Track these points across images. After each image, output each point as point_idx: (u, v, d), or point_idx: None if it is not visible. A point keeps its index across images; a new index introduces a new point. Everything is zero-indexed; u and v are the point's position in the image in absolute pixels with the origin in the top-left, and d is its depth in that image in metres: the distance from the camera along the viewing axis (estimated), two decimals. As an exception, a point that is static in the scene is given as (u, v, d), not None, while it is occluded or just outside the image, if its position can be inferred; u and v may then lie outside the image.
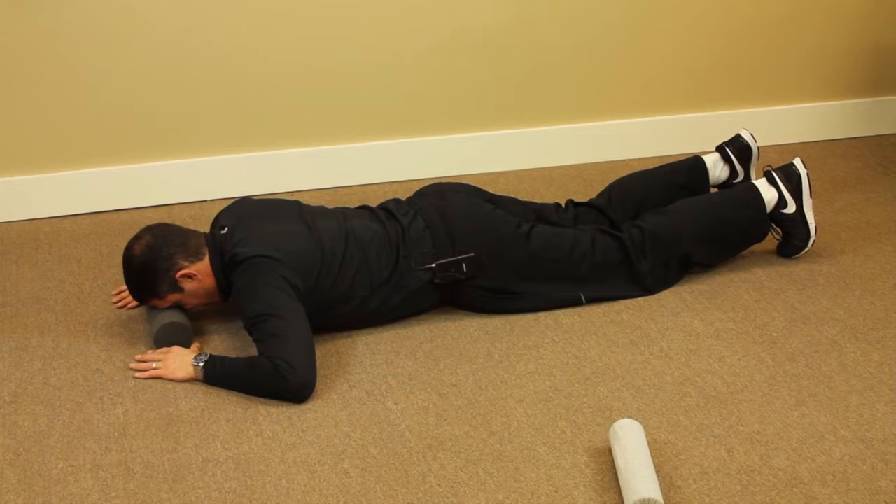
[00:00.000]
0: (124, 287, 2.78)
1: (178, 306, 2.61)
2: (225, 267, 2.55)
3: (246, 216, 2.64)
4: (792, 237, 2.96)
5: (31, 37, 3.08)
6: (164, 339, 2.55)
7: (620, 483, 2.09)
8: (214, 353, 2.50)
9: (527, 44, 3.48)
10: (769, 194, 2.90)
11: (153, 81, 3.21)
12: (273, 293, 2.44)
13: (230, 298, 2.59)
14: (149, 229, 2.58)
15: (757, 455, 2.22)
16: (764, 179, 2.93)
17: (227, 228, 2.59)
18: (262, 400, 2.38)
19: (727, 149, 3.09)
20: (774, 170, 2.93)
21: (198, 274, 2.55)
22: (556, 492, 2.12)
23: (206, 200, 3.37)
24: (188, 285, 2.55)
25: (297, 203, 2.75)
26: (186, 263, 2.54)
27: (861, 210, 3.33)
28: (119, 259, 2.95)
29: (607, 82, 3.62)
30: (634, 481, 2.04)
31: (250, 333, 2.45)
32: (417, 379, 2.48)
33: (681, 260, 2.85)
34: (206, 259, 2.56)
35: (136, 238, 2.57)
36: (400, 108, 3.46)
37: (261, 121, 3.36)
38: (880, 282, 2.90)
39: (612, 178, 3.14)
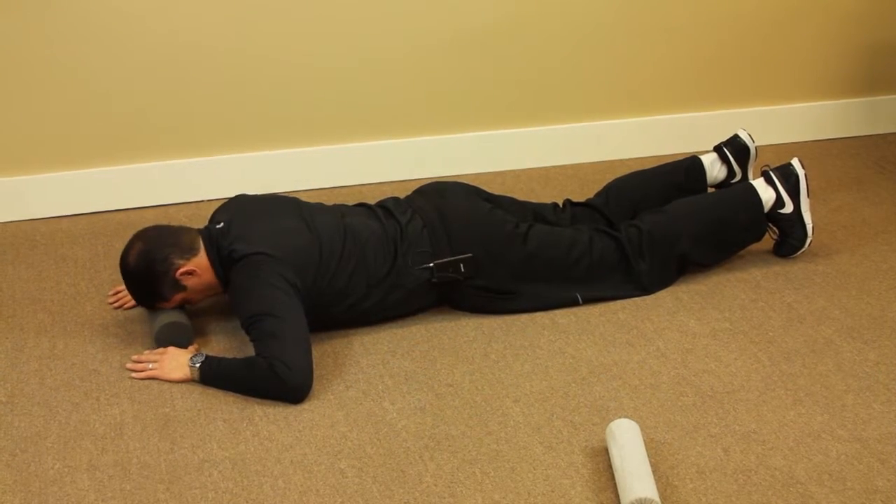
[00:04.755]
0: (121, 287, 2.78)
1: (183, 304, 2.61)
2: (222, 262, 2.55)
3: (243, 211, 2.64)
4: (789, 237, 2.96)
5: (27, 37, 3.07)
6: (164, 338, 2.55)
7: (617, 483, 2.09)
8: (211, 354, 2.50)
9: (524, 44, 3.48)
10: (766, 194, 2.90)
11: (151, 82, 3.21)
12: (270, 292, 2.44)
13: (228, 296, 2.59)
14: (139, 237, 2.58)
15: (753, 454, 2.22)
16: (761, 179, 2.93)
17: (223, 223, 2.59)
18: (259, 400, 2.38)
19: (725, 149, 3.09)
20: (772, 170, 2.93)
21: (196, 269, 2.55)
22: (552, 491, 2.12)
23: (203, 201, 3.37)
24: (189, 282, 2.55)
25: (295, 199, 2.75)
26: (182, 261, 2.53)
27: (857, 209, 3.33)
28: (116, 260, 2.94)
29: (604, 82, 3.62)
30: (631, 481, 2.04)
31: (247, 332, 2.45)
32: (414, 379, 2.48)
33: (678, 260, 2.85)
34: (202, 253, 2.56)
35: (129, 248, 2.56)
36: (397, 107, 3.46)
37: (258, 121, 3.36)
38: (876, 281, 2.91)
39: (610, 177, 3.14)
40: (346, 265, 2.57)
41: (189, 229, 2.60)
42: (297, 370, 2.35)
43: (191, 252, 2.55)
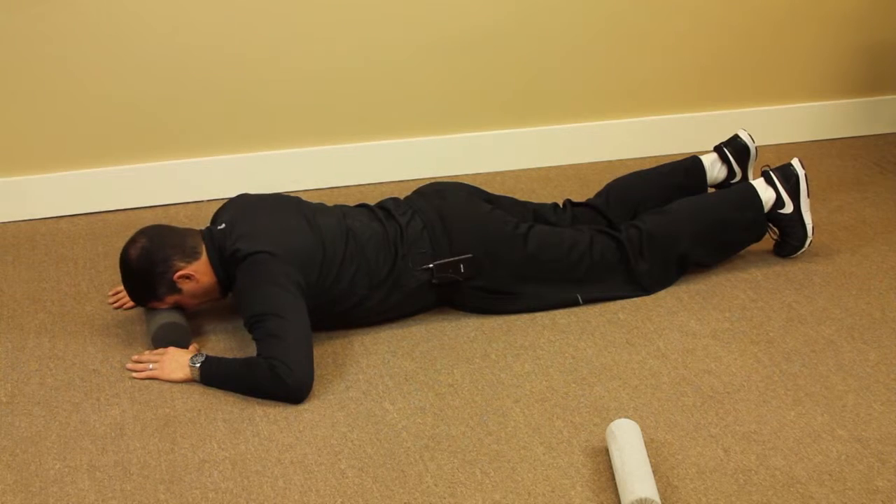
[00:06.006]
0: (121, 287, 2.78)
1: (176, 307, 2.61)
2: (225, 263, 2.55)
3: (246, 210, 2.64)
4: (789, 237, 2.96)
5: (27, 37, 3.07)
6: (161, 338, 2.54)
7: (617, 483, 2.09)
8: (211, 354, 2.50)
9: (524, 44, 3.48)
10: (767, 194, 2.90)
11: (151, 82, 3.21)
12: (274, 291, 2.44)
13: (231, 294, 2.59)
14: (143, 232, 2.58)
15: (754, 454, 2.22)
16: (762, 179, 2.93)
17: (225, 224, 2.59)
18: (259, 400, 2.38)
19: (725, 149, 3.09)
20: (772, 170, 2.93)
21: (195, 274, 2.54)
22: (552, 492, 2.12)
23: (203, 201, 3.37)
24: (186, 286, 2.55)
25: (297, 199, 2.75)
26: (183, 264, 2.53)
27: (857, 210, 3.33)
28: (116, 260, 2.95)
29: (604, 82, 3.62)
30: (631, 481, 2.04)
31: (250, 331, 2.45)
32: (414, 379, 2.48)
33: (678, 260, 2.85)
34: (204, 257, 2.56)
35: (132, 241, 2.56)
36: (397, 108, 3.46)
37: (259, 121, 3.36)
38: (877, 281, 2.91)
39: (610, 178, 3.14)
40: (348, 266, 2.57)
41: (194, 233, 2.60)
42: (298, 370, 2.35)
43: (193, 256, 2.55)
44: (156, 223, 2.67)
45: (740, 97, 3.77)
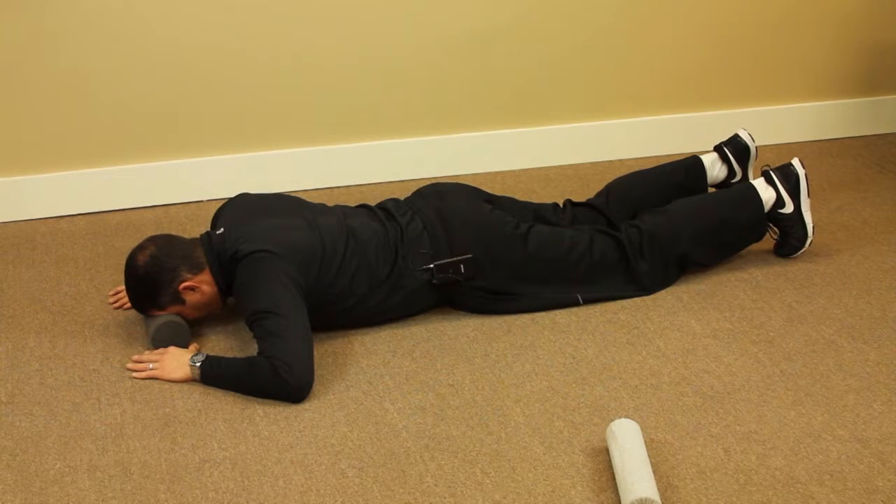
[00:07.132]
0: (121, 287, 2.78)
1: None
2: (225, 266, 2.55)
3: (245, 212, 2.64)
4: (789, 237, 2.96)
5: (27, 37, 3.08)
6: (161, 338, 2.54)
7: (617, 483, 2.09)
8: (211, 354, 2.50)
9: (524, 44, 3.48)
10: (767, 194, 2.90)
11: (151, 82, 3.21)
12: (274, 289, 2.44)
13: (232, 295, 2.59)
14: (152, 240, 2.58)
15: (754, 454, 2.22)
16: (762, 179, 2.93)
17: (223, 229, 2.59)
18: (259, 400, 2.38)
19: (725, 149, 3.09)
20: (772, 170, 2.93)
21: (200, 285, 2.55)
22: (553, 492, 2.12)
23: (203, 201, 3.37)
24: (190, 297, 2.55)
25: (297, 199, 2.75)
26: (189, 276, 2.53)
27: (857, 210, 3.33)
28: (116, 259, 2.95)
29: (604, 82, 3.62)
30: (631, 481, 2.04)
31: (250, 328, 2.45)
32: (415, 379, 2.48)
33: (678, 260, 2.85)
34: (207, 269, 2.56)
35: (140, 248, 2.56)
36: (397, 108, 3.46)
37: (258, 121, 3.36)
38: (877, 281, 2.91)
39: (610, 178, 3.14)
40: (348, 265, 2.57)
41: (197, 244, 2.60)
42: (299, 369, 2.35)
43: (198, 269, 2.55)
44: (165, 233, 2.65)
45: (740, 97, 3.77)
